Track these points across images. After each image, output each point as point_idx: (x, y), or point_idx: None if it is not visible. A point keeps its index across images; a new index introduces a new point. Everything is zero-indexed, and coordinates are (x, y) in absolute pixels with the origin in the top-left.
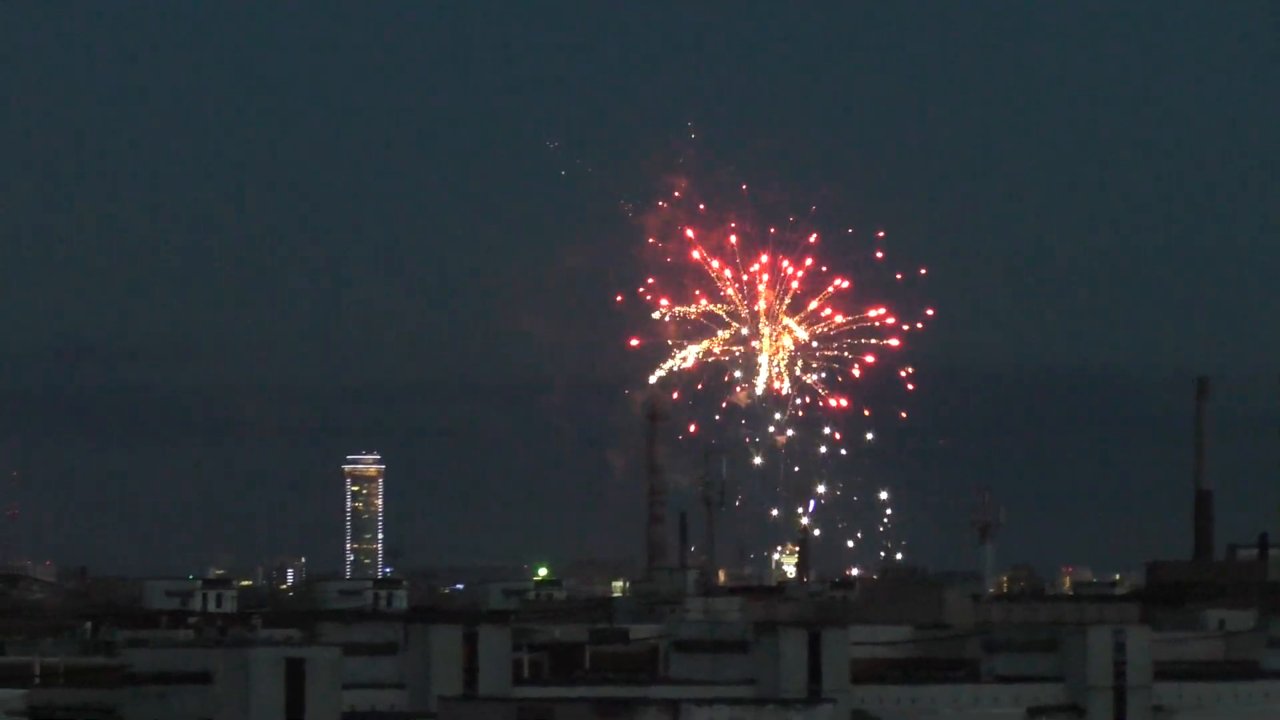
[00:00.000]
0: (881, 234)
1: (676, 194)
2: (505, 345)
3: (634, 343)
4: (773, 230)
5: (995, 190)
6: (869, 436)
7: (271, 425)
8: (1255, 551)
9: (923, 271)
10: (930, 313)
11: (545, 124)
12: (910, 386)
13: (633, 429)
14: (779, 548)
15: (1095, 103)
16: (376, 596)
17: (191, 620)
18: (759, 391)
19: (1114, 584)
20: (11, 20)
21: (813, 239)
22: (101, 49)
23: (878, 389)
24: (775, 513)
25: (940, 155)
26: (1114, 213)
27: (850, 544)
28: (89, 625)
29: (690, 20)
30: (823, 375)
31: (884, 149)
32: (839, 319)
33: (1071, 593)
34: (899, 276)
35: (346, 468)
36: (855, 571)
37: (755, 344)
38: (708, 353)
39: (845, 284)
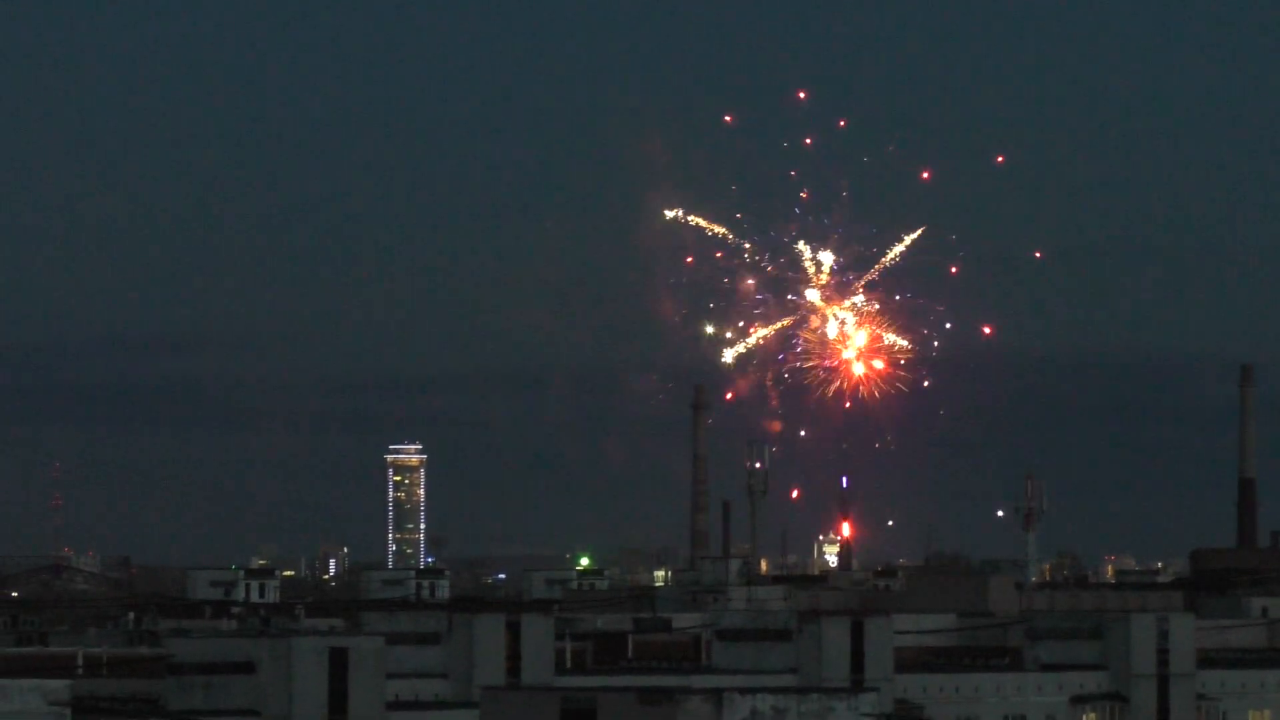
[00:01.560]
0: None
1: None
2: (549, 336)
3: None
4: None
5: (1041, 178)
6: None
7: (313, 415)
8: None
9: (953, 270)
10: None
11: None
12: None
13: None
14: (821, 537)
15: (1146, 92)
16: (419, 586)
17: (235, 610)
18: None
19: (1157, 571)
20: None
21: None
22: (127, 43)
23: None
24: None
25: (981, 141)
26: (1161, 200)
27: (892, 528)
28: (132, 615)
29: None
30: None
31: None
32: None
33: (1114, 580)
34: (954, 270)
35: (388, 457)
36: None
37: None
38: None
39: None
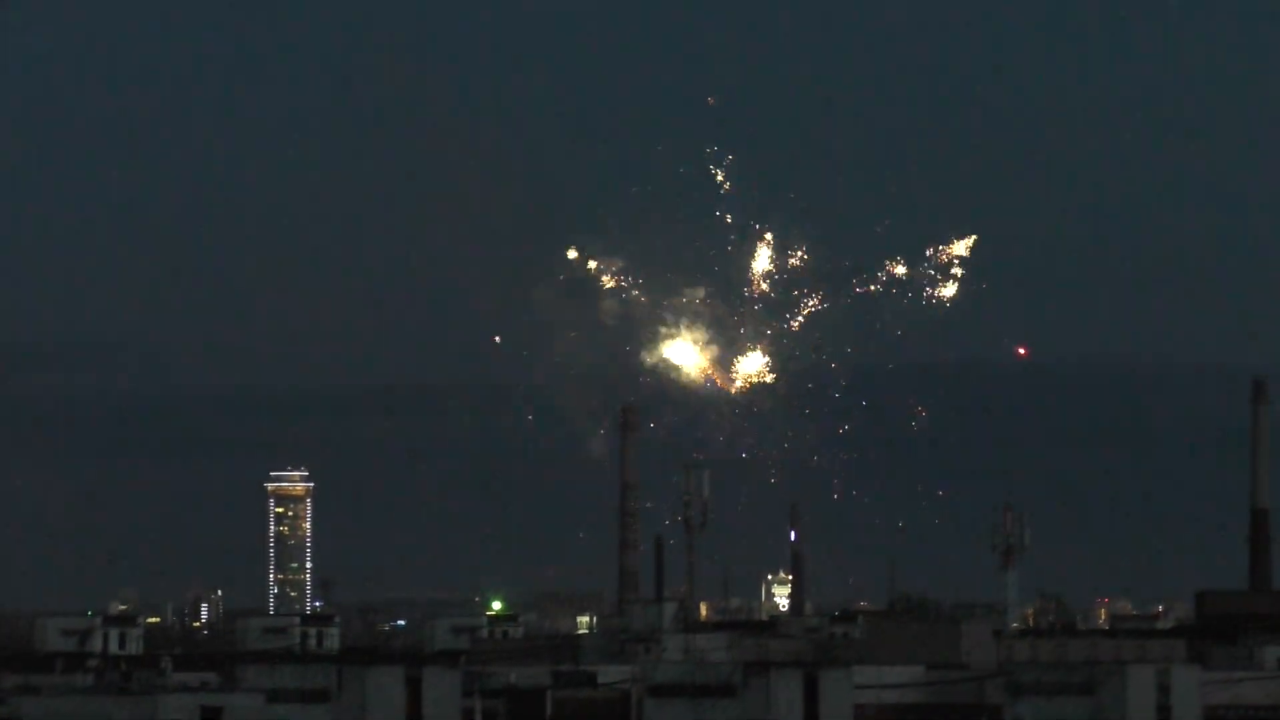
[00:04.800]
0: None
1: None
2: (454, 346)
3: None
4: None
5: (1018, 182)
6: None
7: (185, 437)
8: None
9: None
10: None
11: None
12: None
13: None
14: (769, 575)
15: (1154, 100)
16: (305, 635)
17: (91, 663)
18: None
19: (1157, 617)
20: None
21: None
22: (72, 44)
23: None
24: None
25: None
26: (1159, 198)
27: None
28: None
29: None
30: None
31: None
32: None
33: (1108, 627)
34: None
35: (270, 486)
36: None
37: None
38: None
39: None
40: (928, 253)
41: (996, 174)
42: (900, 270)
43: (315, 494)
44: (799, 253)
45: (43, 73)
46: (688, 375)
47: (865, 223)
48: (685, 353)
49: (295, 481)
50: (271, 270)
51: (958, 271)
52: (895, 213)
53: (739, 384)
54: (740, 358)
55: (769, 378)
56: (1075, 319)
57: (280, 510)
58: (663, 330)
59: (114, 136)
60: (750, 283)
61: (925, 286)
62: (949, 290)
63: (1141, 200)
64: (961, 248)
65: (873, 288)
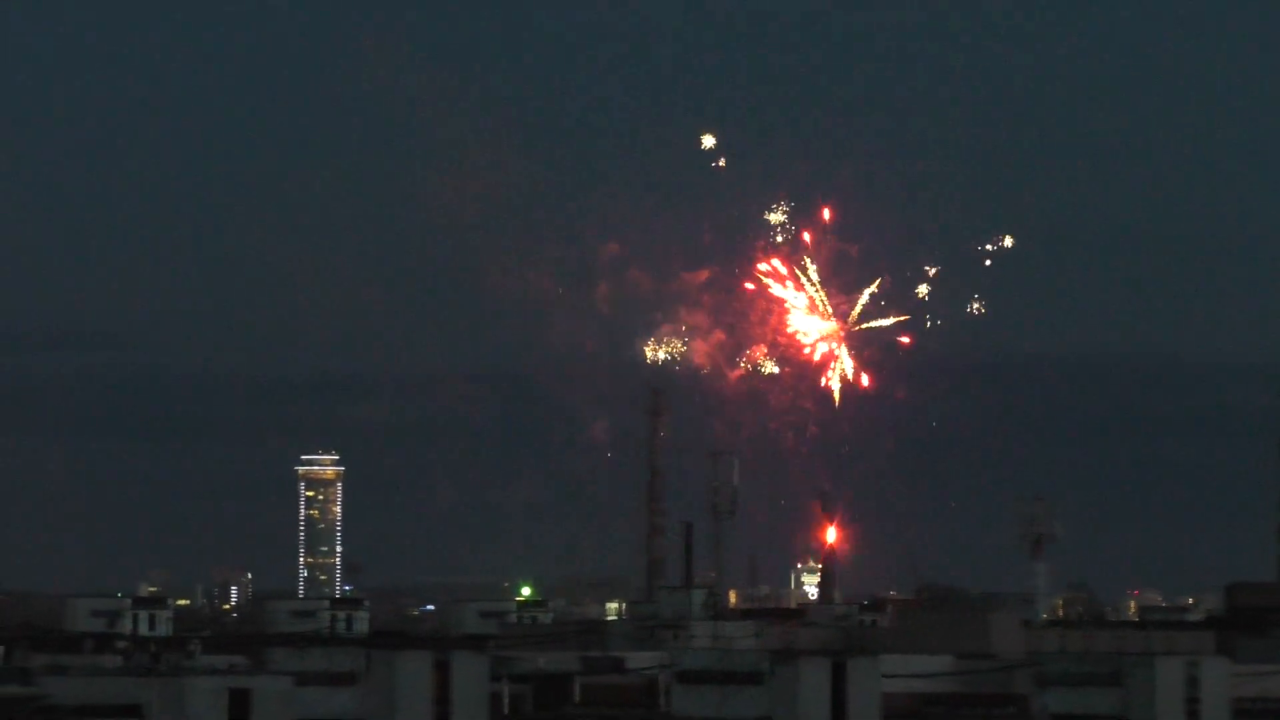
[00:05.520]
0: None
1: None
2: (483, 330)
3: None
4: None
5: (1044, 170)
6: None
7: (215, 421)
8: None
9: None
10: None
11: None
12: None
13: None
14: (799, 564)
15: (1178, 85)
16: (334, 618)
17: (120, 644)
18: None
19: (1186, 608)
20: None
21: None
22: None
23: (918, 380)
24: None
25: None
26: (1190, 186)
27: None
28: (1, 649)
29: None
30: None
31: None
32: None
33: (1137, 618)
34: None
35: (300, 469)
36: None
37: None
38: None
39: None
40: (964, 246)
41: (1032, 166)
42: (932, 263)
43: (345, 478)
44: (837, 244)
45: (75, 48)
46: (702, 363)
47: (901, 216)
48: (700, 342)
49: (326, 465)
50: (305, 254)
51: (989, 263)
52: (929, 206)
53: (764, 369)
54: (763, 346)
55: (780, 368)
56: (1108, 311)
57: (310, 494)
58: (673, 320)
59: (156, 115)
60: (780, 273)
61: (958, 279)
62: (982, 282)
63: (1176, 193)
64: (996, 242)
65: (915, 279)
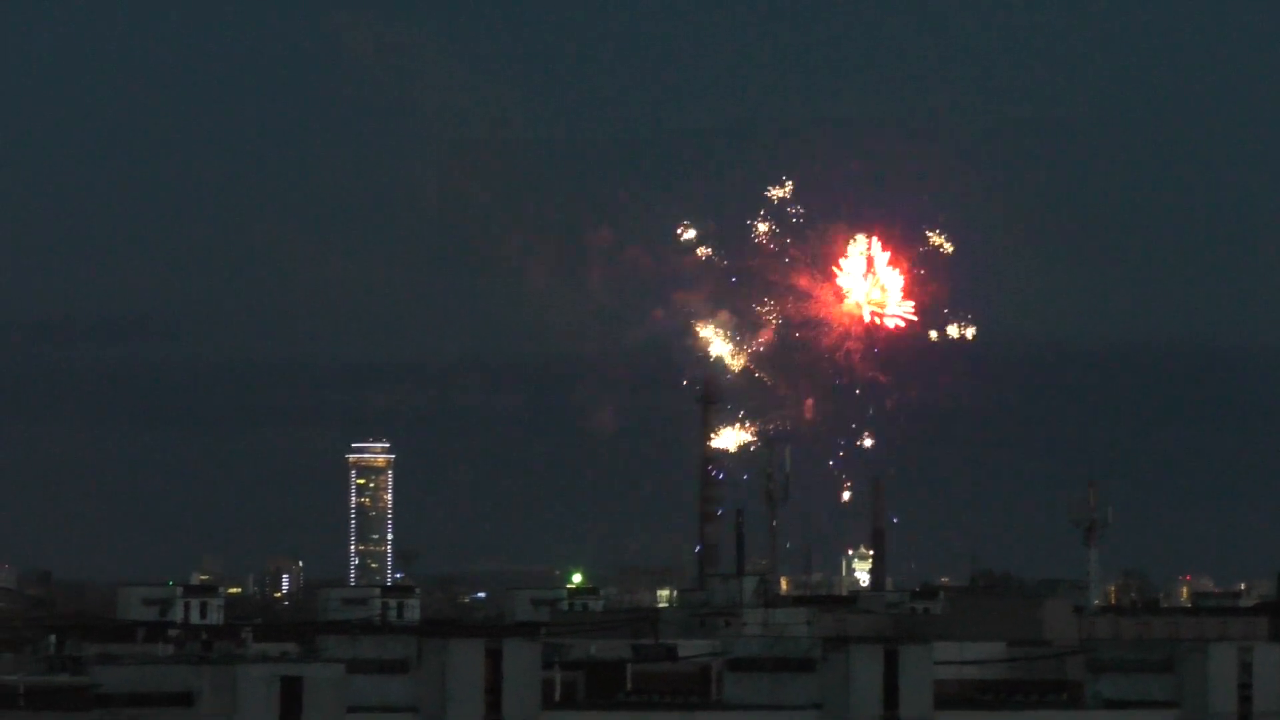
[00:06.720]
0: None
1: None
2: (534, 321)
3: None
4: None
5: (1105, 160)
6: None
7: (266, 409)
8: None
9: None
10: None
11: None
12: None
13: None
14: (850, 550)
15: (1217, 74)
16: (385, 606)
17: (172, 633)
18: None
19: (1240, 594)
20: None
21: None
22: (106, 32)
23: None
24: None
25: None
26: (1240, 169)
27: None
28: (53, 638)
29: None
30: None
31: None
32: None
33: (1190, 605)
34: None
35: (351, 457)
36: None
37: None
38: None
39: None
40: (1014, 231)
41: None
42: (985, 247)
43: (397, 466)
44: (883, 230)
45: (104, 35)
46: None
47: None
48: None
49: (377, 453)
50: (356, 242)
51: (1041, 249)
52: (985, 189)
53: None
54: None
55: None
56: (1162, 298)
57: (361, 482)
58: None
59: (197, 108)
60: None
61: (1011, 263)
62: (1034, 267)
63: (1229, 178)
64: (1048, 227)
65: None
